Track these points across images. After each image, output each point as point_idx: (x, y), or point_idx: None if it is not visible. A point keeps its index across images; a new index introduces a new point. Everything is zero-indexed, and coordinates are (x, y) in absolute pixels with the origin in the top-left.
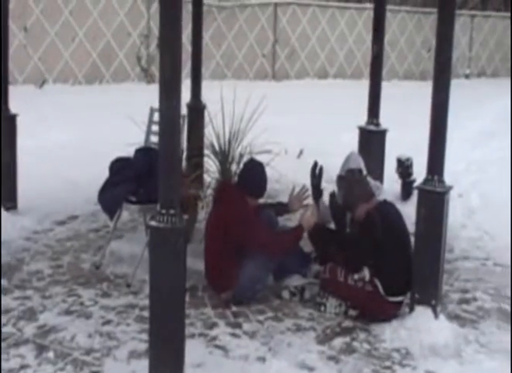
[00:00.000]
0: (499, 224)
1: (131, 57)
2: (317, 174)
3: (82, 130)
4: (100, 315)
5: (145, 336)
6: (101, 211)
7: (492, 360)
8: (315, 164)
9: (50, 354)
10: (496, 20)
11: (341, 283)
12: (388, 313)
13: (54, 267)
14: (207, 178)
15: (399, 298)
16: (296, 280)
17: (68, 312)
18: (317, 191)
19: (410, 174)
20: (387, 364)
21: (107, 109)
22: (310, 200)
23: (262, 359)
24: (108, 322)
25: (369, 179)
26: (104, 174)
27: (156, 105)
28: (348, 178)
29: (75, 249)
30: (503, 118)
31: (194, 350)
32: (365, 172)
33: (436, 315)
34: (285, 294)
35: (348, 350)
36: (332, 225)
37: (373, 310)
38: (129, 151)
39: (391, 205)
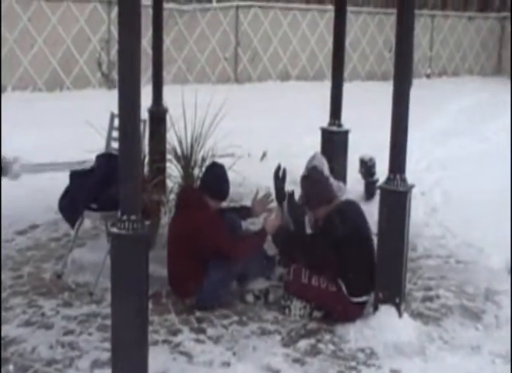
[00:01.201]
0: (460, 221)
1: (91, 62)
2: (280, 176)
3: (42, 137)
4: (62, 326)
5: (107, 345)
6: (62, 220)
7: (455, 356)
8: (279, 166)
9: (11, 367)
10: (456, 19)
11: (305, 285)
12: (353, 313)
13: (15, 278)
14: (169, 183)
15: (363, 298)
16: (260, 284)
17: (28, 324)
18: (281, 194)
19: (373, 174)
20: (353, 364)
21: (68, 116)
22: (273, 204)
23: (227, 364)
24: (70, 332)
25: (332, 179)
26: (65, 182)
27: (117, 110)
28: (311, 177)
29: (36, 259)
30: (463, 116)
31: (157, 358)
32: (327, 172)
33: (399, 314)
34: (250, 297)
35: (314, 351)
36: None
37: (338, 311)
38: (90, 158)
39: (352, 204)
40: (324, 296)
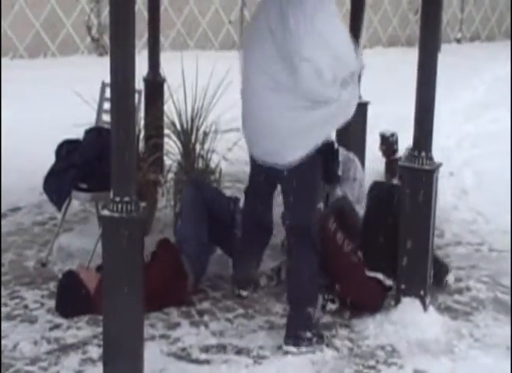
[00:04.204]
0: (494, 205)
1: (79, 26)
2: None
3: (25, 110)
4: (47, 319)
5: (98, 341)
6: (47, 201)
7: (488, 356)
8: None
9: None
10: None
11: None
12: (368, 292)
13: None
14: (168, 161)
15: (380, 276)
16: (269, 264)
17: (10, 317)
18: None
19: (395, 151)
20: (371, 363)
21: (53, 86)
22: None
23: (231, 362)
24: (56, 326)
25: (341, 150)
26: (50, 159)
27: (109, 79)
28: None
29: (18, 245)
30: (498, 87)
31: (154, 355)
32: (361, 175)
33: (424, 308)
34: (263, 280)
35: (328, 348)
36: None
37: (354, 285)
38: (78, 133)
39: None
40: (345, 265)
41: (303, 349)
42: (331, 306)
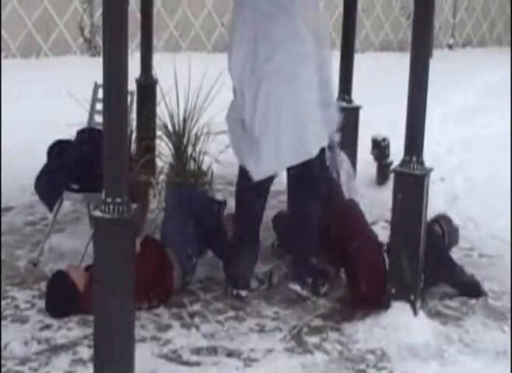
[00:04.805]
0: (484, 211)
1: (72, 26)
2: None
3: (17, 110)
4: (38, 320)
5: (89, 342)
6: (39, 201)
7: (477, 361)
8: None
9: None
10: None
11: None
12: (382, 274)
13: None
14: (159, 162)
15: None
16: (260, 267)
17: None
18: None
19: (386, 156)
20: (361, 366)
21: (45, 86)
22: None
23: (221, 364)
24: (47, 326)
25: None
26: (42, 159)
27: (101, 80)
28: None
29: (9, 245)
30: (489, 92)
31: (144, 356)
32: (351, 171)
33: (415, 312)
34: (254, 283)
35: (318, 351)
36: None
37: (374, 254)
38: (70, 133)
39: None
40: (366, 233)
41: (305, 291)
42: (322, 289)
